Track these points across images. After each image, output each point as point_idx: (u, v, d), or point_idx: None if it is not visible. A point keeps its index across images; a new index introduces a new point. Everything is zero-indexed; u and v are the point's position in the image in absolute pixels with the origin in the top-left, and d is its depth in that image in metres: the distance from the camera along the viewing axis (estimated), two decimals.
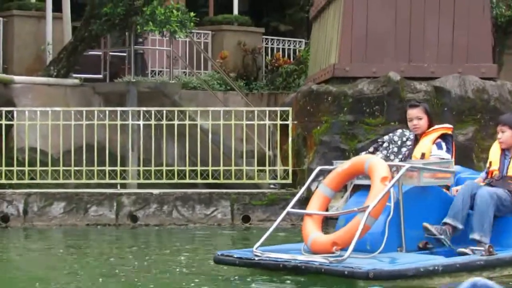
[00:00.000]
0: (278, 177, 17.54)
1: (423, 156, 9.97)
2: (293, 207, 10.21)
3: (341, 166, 9.18)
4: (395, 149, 11.85)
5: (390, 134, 12.32)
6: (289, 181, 17.34)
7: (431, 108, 15.66)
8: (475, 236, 8.93)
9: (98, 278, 9.41)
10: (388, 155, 11.94)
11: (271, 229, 9.34)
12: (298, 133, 17.15)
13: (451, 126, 11.89)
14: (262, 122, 17.45)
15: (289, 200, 15.58)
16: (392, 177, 8.67)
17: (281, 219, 9.41)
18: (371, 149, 12.31)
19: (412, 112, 11.32)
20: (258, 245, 8.89)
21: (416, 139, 10.56)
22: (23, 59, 22.97)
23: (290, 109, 17.25)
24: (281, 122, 17.08)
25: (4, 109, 16.91)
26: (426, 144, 10.16)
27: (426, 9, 17.44)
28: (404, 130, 12.16)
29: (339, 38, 17.84)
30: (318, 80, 18.85)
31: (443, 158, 9.86)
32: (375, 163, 8.93)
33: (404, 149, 11.78)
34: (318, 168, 6.83)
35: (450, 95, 16.71)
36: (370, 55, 17.31)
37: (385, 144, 12.12)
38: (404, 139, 11.88)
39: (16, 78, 19.97)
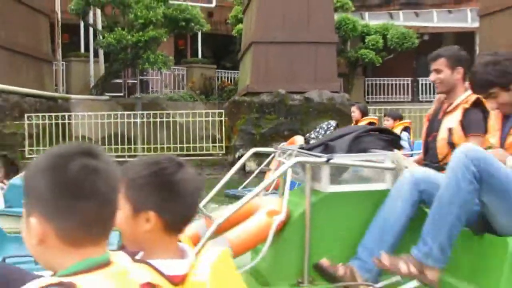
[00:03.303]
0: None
1: None
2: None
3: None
4: (322, 133, 10.65)
5: (321, 125, 11.35)
6: (223, 152, 17.52)
7: (303, 110, 17.14)
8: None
9: None
10: (316, 136, 10.59)
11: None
12: (228, 125, 17.24)
13: (376, 117, 11.82)
14: (211, 118, 17.48)
15: (225, 162, 16.90)
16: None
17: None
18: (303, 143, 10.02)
19: (352, 109, 11.06)
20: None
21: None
22: (76, 85, 22.96)
23: (223, 111, 17.36)
24: (219, 119, 17.22)
25: (67, 114, 17.07)
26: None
27: (296, 55, 17.13)
28: (330, 121, 11.69)
29: (251, 71, 17.84)
30: (240, 94, 18.86)
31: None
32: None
33: (328, 132, 10.62)
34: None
35: (314, 101, 16.94)
36: (268, 80, 17.26)
37: (313, 134, 10.92)
38: (329, 126, 10.80)
39: (72, 96, 20.08)
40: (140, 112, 17.92)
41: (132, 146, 17.30)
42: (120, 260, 1.63)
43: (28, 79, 17.85)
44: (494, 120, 3.63)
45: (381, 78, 28.92)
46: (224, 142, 17.71)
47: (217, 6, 27.73)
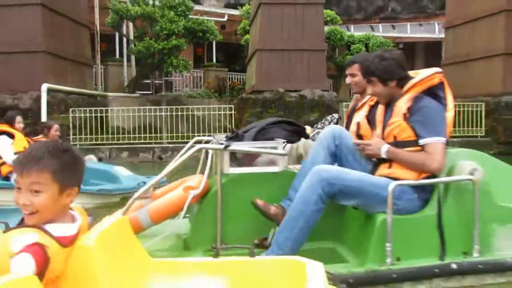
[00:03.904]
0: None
1: None
2: None
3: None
4: (327, 124, 11.14)
5: (326, 117, 11.59)
6: None
7: (298, 105, 16.87)
8: None
9: None
10: (322, 126, 11.10)
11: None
12: (237, 117, 16.97)
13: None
14: (223, 112, 17.10)
15: None
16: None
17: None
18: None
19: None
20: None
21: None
22: (112, 85, 22.96)
23: (233, 106, 17.08)
24: (230, 112, 16.85)
25: (104, 108, 16.93)
26: None
27: (293, 60, 17.15)
28: (334, 114, 12.29)
29: (256, 73, 17.74)
30: (247, 92, 18.67)
31: None
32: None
33: (331, 123, 11.18)
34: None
35: (307, 98, 16.83)
36: (269, 80, 17.13)
37: (319, 124, 11.12)
38: (333, 118, 11.42)
39: (109, 94, 19.95)
40: (165, 107, 17.79)
41: (158, 135, 17.11)
42: None
43: (72, 80, 17.88)
44: (379, 113, 3.55)
45: None
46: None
47: (228, 20, 27.70)
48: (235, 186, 3.56)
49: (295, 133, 3.97)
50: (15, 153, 7.01)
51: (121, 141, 16.62)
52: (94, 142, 16.38)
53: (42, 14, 16.36)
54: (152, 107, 17.64)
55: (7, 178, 7.11)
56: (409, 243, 3.18)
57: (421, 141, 3.24)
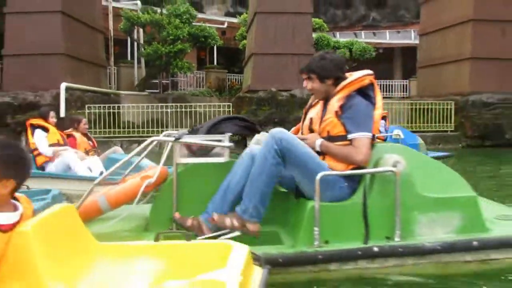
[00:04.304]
0: None
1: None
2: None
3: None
4: None
5: None
6: None
7: (289, 103, 16.90)
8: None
9: None
10: None
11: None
12: (235, 114, 16.04)
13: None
14: (223, 109, 16.90)
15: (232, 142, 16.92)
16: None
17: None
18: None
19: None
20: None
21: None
22: (124, 84, 22.77)
23: (231, 104, 17.04)
24: (228, 109, 16.78)
25: (117, 105, 16.89)
26: None
27: (284, 63, 17.05)
28: None
29: (251, 74, 17.66)
30: (244, 91, 18.53)
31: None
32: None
33: None
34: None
35: (297, 97, 16.70)
36: (263, 81, 17.03)
37: None
38: None
39: (121, 92, 19.90)
40: (171, 104, 17.72)
41: (165, 129, 16.78)
42: None
43: (88, 79, 17.80)
44: (317, 110, 3.48)
45: None
46: None
47: (228, 27, 27.61)
48: (190, 175, 3.54)
49: (247, 128, 3.89)
50: (50, 145, 7.09)
51: (131, 134, 16.56)
52: (107, 135, 16.28)
53: (61, 20, 16.35)
54: (159, 104, 17.62)
55: (42, 167, 7.11)
56: (337, 227, 3.17)
57: (350, 136, 3.24)
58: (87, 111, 16.02)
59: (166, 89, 22.78)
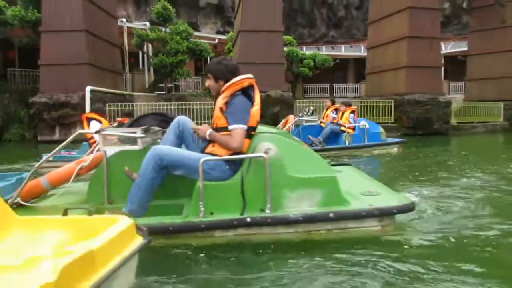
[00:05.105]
0: None
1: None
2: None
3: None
4: (305, 114, 9.58)
5: (305, 109, 9.77)
6: None
7: (265, 102, 16.85)
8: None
9: None
10: (301, 116, 9.37)
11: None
12: None
13: (339, 104, 10.10)
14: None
15: None
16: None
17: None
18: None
19: (326, 101, 9.63)
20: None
21: None
22: (138, 88, 22.42)
23: None
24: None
25: (131, 103, 16.67)
26: None
27: (262, 70, 15.70)
28: (310, 106, 10.41)
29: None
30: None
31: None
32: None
33: (308, 114, 9.45)
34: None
35: (272, 96, 16.41)
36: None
37: (299, 114, 9.34)
38: (309, 110, 9.69)
39: (135, 93, 19.62)
40: (174, 102, 17.49)
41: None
42: None
43: (108, 83, 17.58)
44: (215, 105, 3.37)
45: (312, 84, 28.48)
46: None
47: (219, 42, 27.18)
48: (118, 159, 3.47)
49: (164, 122, 3.79)
50: None
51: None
52: None
53: (86, 37, 16.14)
54: (165, 103, 17.39)
55: None
56: (221, 202, 3.13)
57: (229, 128, 3.19)
58: (107, 108, 15.79)
59: (171, 91, 22.41)
